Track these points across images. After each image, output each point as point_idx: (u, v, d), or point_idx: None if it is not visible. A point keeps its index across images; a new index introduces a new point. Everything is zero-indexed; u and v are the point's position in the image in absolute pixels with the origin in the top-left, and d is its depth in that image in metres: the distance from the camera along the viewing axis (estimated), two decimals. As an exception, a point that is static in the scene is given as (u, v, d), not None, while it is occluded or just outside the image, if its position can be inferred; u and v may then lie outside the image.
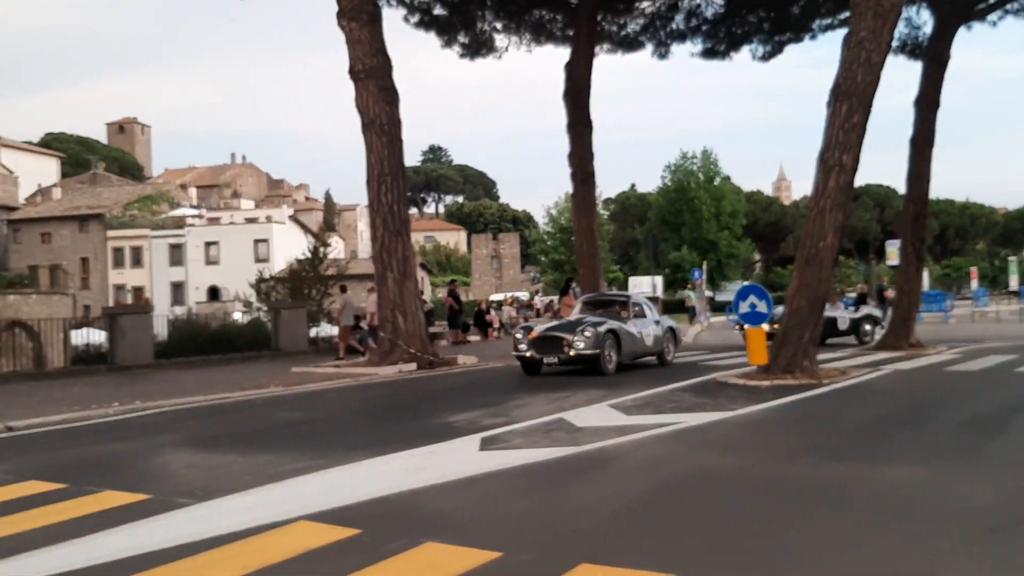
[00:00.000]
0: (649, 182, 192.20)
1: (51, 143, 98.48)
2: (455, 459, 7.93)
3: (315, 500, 6.34)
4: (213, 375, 17.62)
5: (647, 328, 16.89)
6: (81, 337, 25.39)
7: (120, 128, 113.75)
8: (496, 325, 33.36)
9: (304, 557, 5.02)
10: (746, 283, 55.30)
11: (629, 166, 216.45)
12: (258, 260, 60.72)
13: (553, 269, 62.46)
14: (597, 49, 27.06)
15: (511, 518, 5.85)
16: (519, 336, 16.11)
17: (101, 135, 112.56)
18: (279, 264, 53.38)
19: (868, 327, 23.77)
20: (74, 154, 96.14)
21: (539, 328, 16.24)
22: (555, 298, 49.76)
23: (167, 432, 10.38)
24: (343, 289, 25.42)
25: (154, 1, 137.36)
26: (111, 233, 66.12)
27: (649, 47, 28.78)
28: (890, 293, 28.46)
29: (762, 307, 14.37)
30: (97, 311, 48.86)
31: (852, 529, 5.28)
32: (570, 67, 25.97)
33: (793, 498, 6.20)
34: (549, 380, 15.30)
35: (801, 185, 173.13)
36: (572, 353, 15.08)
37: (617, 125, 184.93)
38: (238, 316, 30.34)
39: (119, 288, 65.17)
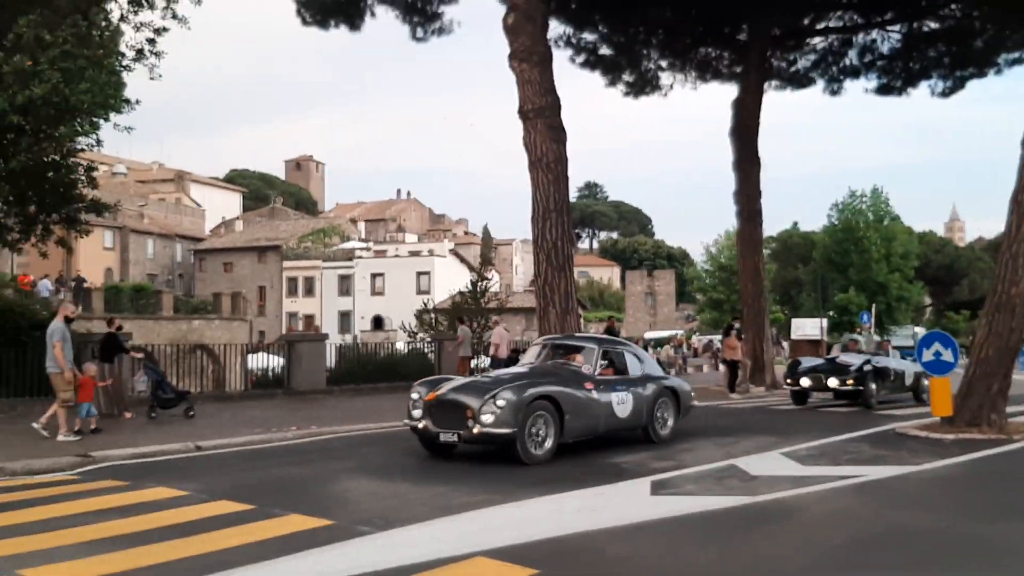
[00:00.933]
0: (812, 220, 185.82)
1: (235, 179, 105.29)
2: (627, 502, 7.84)
3: (490, 536, 6.39)
4: (381, 403, 18.16)
5: (622, 392, 11.55)
6: (256, 361, 26.82)
7: (297, 165, 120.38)
8: (654, 364, 32.85)
9: (486, 594, 5.06)
10: (918, 328, 52.29)
11: (791, 204, 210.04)
12: (420, 292, 62.45)
13: (711, 308, 61.16)
14: (765, 86, 26.57)
15: (692, 568, 5.71)
16: (415, 396, 10.93)
17: (280, 171, 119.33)
18: (440, 296, 54.73)
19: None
20: (255, 189, 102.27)
21: (444, 387, 10.81)
22: (715, 338, 48.71)
23: (344, 458, 10.75)
24: (461, 320, 25.72)
25: (332, 46, 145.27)
26: (286, 263, 69.80)
27: (820, 83, 28.13)
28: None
29: (947, 356, 13.52)
30: (271, 337, 51.56)
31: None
32: (738, 104, 25.60)
33: (997, 564, 5.77)
34: (712, 423, 14.91)
35: (976, 226, 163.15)
36: (476, 430, 9.96)
37: (777, 161, 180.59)
38: (400, 345, 31.24)
39: (292, 315, 68.55)
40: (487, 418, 9.90)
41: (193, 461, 10.71)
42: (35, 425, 12.42)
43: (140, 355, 16.84)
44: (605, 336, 14.67)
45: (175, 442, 11.71)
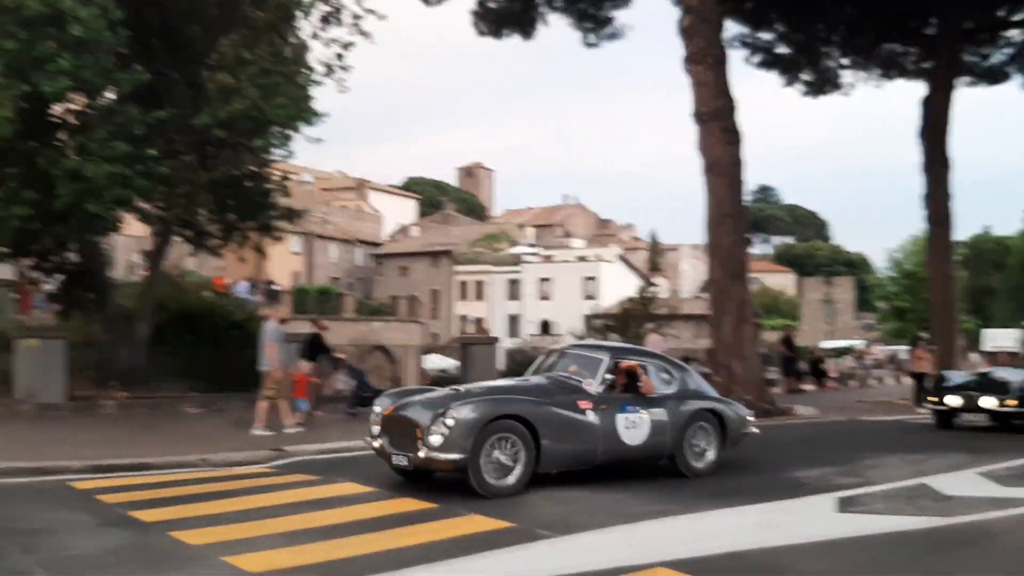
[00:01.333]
0: (1007, 224, 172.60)
1: (411, 186, 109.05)
2: (810, 519, 7.59)
3: (670, 547, 6.33)
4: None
5: (634, 413, 9.54)
6: (430, 363, 27.71)
7: (468, 172, 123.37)
8: (833, 375, 31.61)
9: (671, 606, 5.03)
10: None
11: (983, 207, 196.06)
12: (587, 297, 62.59)
13: (895, 317, 58.16)
14: (956, 82, 25.06)
15: (885, 591, 5.47)
16: (376, 410, 9.58)
17: (452, 179, 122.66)
18: (607, 301, 54.64)
19: None
20: (429, 196, 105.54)
21: (405, 400, 9.41)
22: (898, 348, 46.27)
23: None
24: (610, 328, 25.64)
25: (504, 57, 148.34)
26: (458, 268, 71.60)
27: (1017, 79, 26.30)
28: None
29: None
30: (443, 340, 53.06)
31: None
32: (926, 103, 24.27)
33: None
34: (899, 439, 14.17)
35: None
36: (422, 454, 8.40)
37: (969, 161, 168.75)
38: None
39: (462, 319, 70.24)
40: (435, 439, 8.29)
41: (378, 458, 11.13)
42: (286, 429, 13.05)
43: (343, 355, 17.74)
44: (624, 345, 12.84)
45: (361, 439, 12.23)
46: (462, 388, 9.72)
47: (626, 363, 10.13)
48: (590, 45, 23.73)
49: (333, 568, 5.96)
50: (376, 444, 9.19)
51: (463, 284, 71.50)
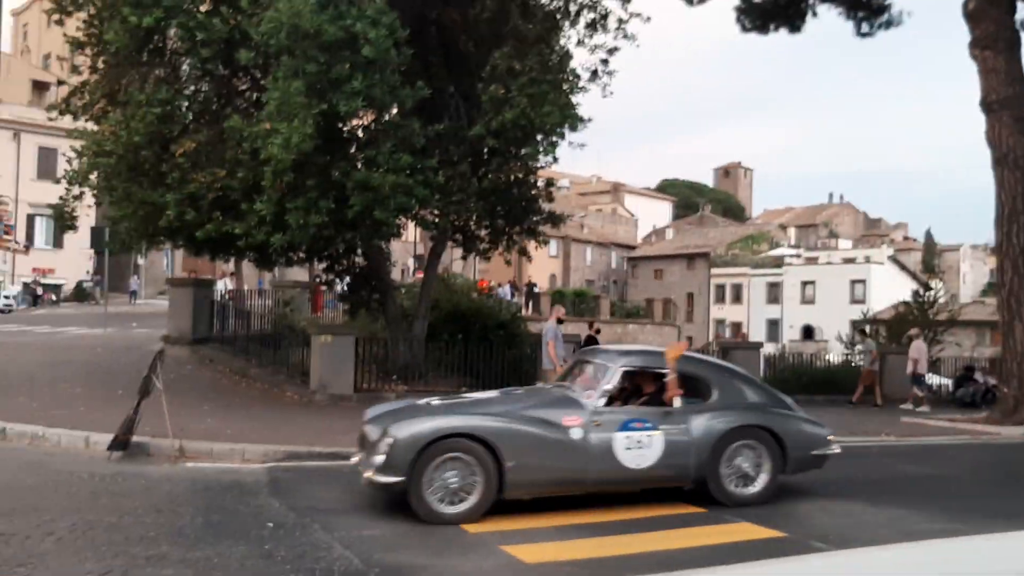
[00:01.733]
0: None
1: (666, 188, 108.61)
2: None
3: (956, 568, 5.93)
4: (820, 417, 17.56)
5: (642, 431, 8.01)
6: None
7: (726, 172, 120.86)
8: None
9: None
10: None
11: None
12: (854, 301, 59.28)
13: None
14: None
15: None
16: (365, 419, 8.75)
17: (708, 179, 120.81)
18: (877, 306, 51.44)
19: None
20: (684, 197, 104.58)
21: (386, 410, 8.69)
22: None
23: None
24: (864, 333, 24.14)
25: (760, 51, 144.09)
26: (714, 271, 70.29)
27: None
28: None
29: None
30: (697, 343, 52.38)
31: None
32: None
33: None
34: None
35: None
36: (368, 474, 7.58)
37: None
38: (833, 357, 29.99)
39: (719, 322, 68.87)
40: (377, 459, 7.42)
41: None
42: None
43: None
44: (645, 349, 10.87)
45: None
46: (435, 401, 8.80)
47: (650, 371, 8.68)
48: (863, 35, 22.43)
49: (604, 565, 6.14)
50: (354, 459, 8.33)
51: (720, 287, 70.10)
